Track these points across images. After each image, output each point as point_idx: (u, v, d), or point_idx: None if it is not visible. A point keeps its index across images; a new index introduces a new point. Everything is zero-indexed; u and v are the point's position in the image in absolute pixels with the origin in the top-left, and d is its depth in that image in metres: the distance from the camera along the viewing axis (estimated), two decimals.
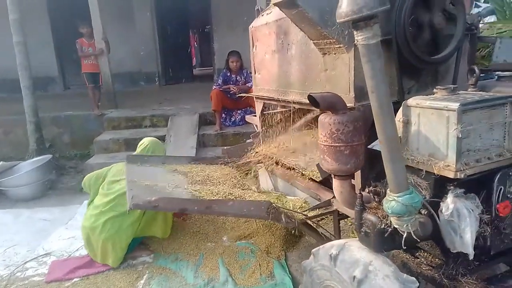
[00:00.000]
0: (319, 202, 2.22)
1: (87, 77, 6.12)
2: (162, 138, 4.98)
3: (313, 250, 1.76)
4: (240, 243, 2.96)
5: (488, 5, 4.44)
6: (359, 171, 1.81)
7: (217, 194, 2.55)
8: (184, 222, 3.24)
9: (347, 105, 1.75)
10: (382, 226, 1.49)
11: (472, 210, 1.43)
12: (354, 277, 1.47)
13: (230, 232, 3.13)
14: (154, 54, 9.47)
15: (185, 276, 2.62)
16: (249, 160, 2.99)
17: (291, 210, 2.27)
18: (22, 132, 5.58)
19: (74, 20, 6.41)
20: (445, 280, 1.58)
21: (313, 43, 1.96)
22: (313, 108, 1.91)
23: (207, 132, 5.30)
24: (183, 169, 3.00)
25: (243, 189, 2.76)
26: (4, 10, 5.12)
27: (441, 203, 1.47)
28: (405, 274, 1.48)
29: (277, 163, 2.73)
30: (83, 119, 6.02)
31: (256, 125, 3.11)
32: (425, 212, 1.47)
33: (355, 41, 1.29)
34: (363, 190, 1.73)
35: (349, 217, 2.13)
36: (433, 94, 1.57)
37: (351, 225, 2.81)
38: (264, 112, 2.94)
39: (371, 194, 1.61)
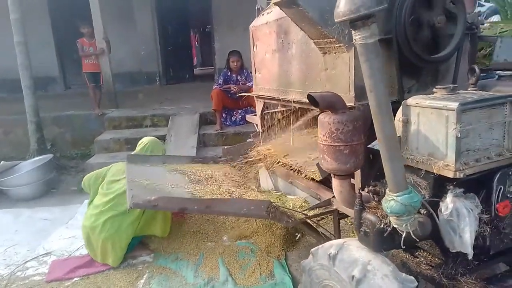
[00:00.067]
0: (319, 202, 2.21)
1: (88, 76, 6.13)
2: (162, 138, 4.99)
3: (312, 249, 1.76)
4: (240, 242, 2.96)
5: (491, 4, 4.43)
6: (359, 170, 1.81)
7: (217, 193, 2.55)
8: (184, 222, 3.24)
9: (348, 104, 1.75)
10: (381, 226, 1.49)
11: (472, 210, 1.43)
12: (353, 276, 1.47)
13: (230, 231, 3.13)
14: (154, 54, 9.48)
15: (185, 276, 2.62)
16: (249, 159, 2.99)
17: (291, 210, 2.27)
18: (22, 132, 5.58)
19: (75, 20, 6.42)
20: (444, 280, 1.58)
21: (313, 42, 1.96)
22: (313, 107, 1.91)
23: (207, 131, 5.30)
24: (183, 168, 3.01)
25: (243, 189, 2.76)
26: (5, 10, 5.13)
27: (440, 203, 1.46)
28: (404, 274, 1.48)
29: (277, 163, 2.73)
30: (83, 118, 6.02)
31: (257, 125, 3.11)
32: (425, 212, 1.47)
33: (353, 41, 1.29)
34: (363, 190, 1.73)
35: (349, 216, 2.12)
36: (433, 94, 1.57)
37: (351, 224, 2.81)
38: (265, 112, 2.94)
39: (370, 193, 1.61)
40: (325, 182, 2.27)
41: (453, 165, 1.40)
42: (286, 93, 2.42)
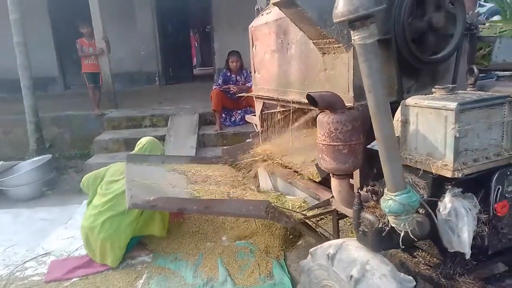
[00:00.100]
0: (318, 202, 2.22)
1: (87, 77, 6.13)
2: (162, 138, 4.99)
3: (311, 249, 1.77)
4: (239, 243, 2.96)
5: (492, 4, 4.43)
6: (358, 170, 1.81)
7: (217, 193, 2.55)
8: (183, 222, 3.24)
9: (347, 104, 1.75)
10: (380, 225, 1.49)
11: (470, 210, 1.43)
12: (351, 276, 1.47)
13: (229, 232, 3.13)
14: (154, 54, 9.48)
15: (184, 276, 2.62)
16: (248, 159, 2.99)
17: (290, 210, 2.27)
18: (22, 132, 5.58)
19: (75, 20, 6.42)
20: (443, 280, 1.58)
21: (313, 42, 1.97)
22: (312, 107, 1.91)
23: (207, 132, 5.30)
24: (182, 168, 3.01)
25: (242, 189, 2.76)
26: (4, 10, 5.13)
27: (438, 203, 1.47)
28: (402, 273, 1.49)
29: (276, 163, 2.73)
30: (83, 119, 6.02)
31: (256, 125, 3.11)
32: (423, 212, 1.47)
33: (352, 41, 1.29)
34: (362, 189, 1.73)
35: (348, 216, 2.12)
36: (432, 94, 1.57)
37: (350, 224, 2.81)
38: (264, 112, 2.94)
39: (369, 193, 1.61)
40: (324, 182, 2.27)
41: (452, 165, 1.40)
42: (285, 93, 2.42)
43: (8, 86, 7.94)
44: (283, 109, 2.86)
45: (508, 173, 1.54)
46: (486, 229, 1.53)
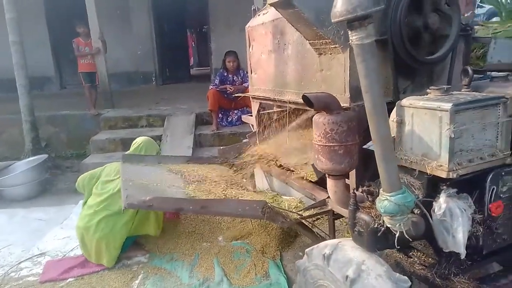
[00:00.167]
0: (314, 202, 2.22)
1: (84, 76, 6.12)
2: (158, 138, 4.98)
3: (306, 249, 1.77)
4: (236, 243, 2.96)
5: (491, 6, 4.46)
6: (354, 170, 1.82)
7: (213, 194, 2.55)
8: (179, 222, 3.24)
9: (343, 105, 1.76)
10: (375, 226, 1.49)
11: (465, 210, 1.44)
12: (347, 276, 1.47)
13: (225, 232, 3.13)
14: (151, 54, 9.47)
15: (180, 276, 2.62)
16: (245, 160, 2.99)
17: (286, 210, 2.28)
18: (18, 131, 5.56)
19: (71, 19, 6.40)
20: (438, 280, 1.58)
21: (309, 43, 1.97)
22: (308, 108, 1.91)
23: (203, 132, 5.30)
24: (179, 168, 3.01)
25: (239, 189, 2.76)
26: (0, 9, 5.10)
27: (434, 203, 1.47)
28: (397, 274, 1.49)
29: (273, 163, 2.73)
30: (79, 118, 6.00)
31: (253, 125, 3.11)
32: (418, 212, 1.47)
33: (350, 41, 1.30)
34: (357, 190, 1.73)
35: (344, 216, 2.13)
36: (427, 94, 1.58)
37: (346, 225, 2.82)
38: (261, 112, 2.94)
39: (364, 193, 1.61)
40: (321, 182, 2.27)
41: (447, 166, 1.41)
42: (281, 94, 2.42)
43: (3, 85, 7.89)
44: (280, 109, 2.87)
45: (503, 173, 1.54)
46: (481, 229, 1.53)
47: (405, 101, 1.55)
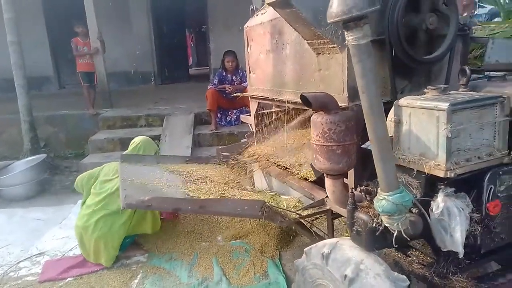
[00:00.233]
0: (313, 202, 2.22)
1: (82, 76, 6.11)
2: (157, 138, 4.98)
3: (305, 249, 1.77)
4: (235, 242, 2.96)
5: (492, 6, 4.46)
6: (352, 170, 1.82)
7: (212, 193, 2.55)
8: (178, 222, 3.24)
9: (341, 105, 1.76)
10: (374, 225, 1.50)
11: (462, 209, 1.44)
12: (346, 276, 1.47)
13: (224, 231, 3.13)
14: (150, 54, 9.47)
15: (179, 276, 2.62)
16: (243, 159, 2.99)
17: (284, 209, 2.28)
18: (16, 131, 5.55)
19: (70, 19, 6.40)
20: (436, 279, 1.59)
21: (307, 43, 1.97)
22: (307, 107, 1.92)
23: (202, 131, 5.30)
24: (177, 168, 3.01)
25: (237, 189, 2.77)
26: None
27: (431, 202, 1.48)
28: (396, 273, 1.50)
29: (271, 163, 2.73)
30: (78, 118, 6.00)
31: (251, 125, 3.11)
32: (416, 211, 1.48)
33: (346, 41, 1.30)
34: (355, 189, 1.74)
35: (342, 216, 2.13)
36: (424, 94, 1.58)
37: (345, 224, 2.82)
38: (259, 112, 2.95)
39: (362, 193, 1.61)
40: (319, 182, 2.28)
41: (444, 165, 1.41)
42: (280, 94, 2.43)
43: (2, 85, 7.89)
44: (278, 109, 2.87)
45: (500, 172, 1.55)
46: (479, 228, 1.53)
47: (402, 101, 1.56)
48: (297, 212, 2.22)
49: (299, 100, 1.77)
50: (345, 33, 1.29)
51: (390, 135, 1.54)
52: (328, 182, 1.78)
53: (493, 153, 1.52)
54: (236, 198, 2.53)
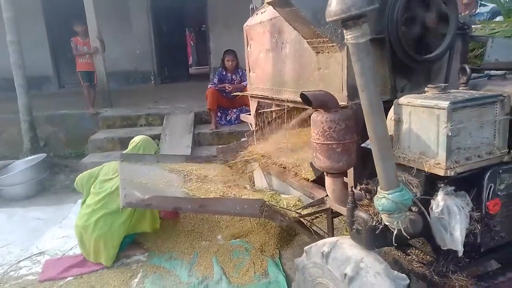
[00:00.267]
0: (313, 200, 2.22)
1: (82, 75, 6.11)
2: (157, 137, 4.98)
3: (305, 247, 1.77)
4: (235, 241, 2.96)
5: (495, 5, 4.45)
6: (352, 168, 1.82)
7: (212, 192, 2.55)
8: (179, 221, 3.24)
9: (340, 103, 1.76)
10: (373, 223, 1.50)
11: (462, 208, 1.45)
12: (345, 274, 1.47)
13: (224, 230, 3.13)
14: (149, 53, 9.46)
15: (179, 275, 2.62)
16: (243, 158, 2.99)
17: (284, 208, 2.28)
18: (16, 131, 5.55)
19: (69, 19, 6.39)
20: (436, 277, 1.59)
21: (307, 42, 1.97)
22: (306, 106, 1.92)
23: (202, 131, 5.30)
24: (177, 167, 3.00)
25: (237, 188, 2.77)
26: None
27: (431, 201, 1.48)
28: (396, 271, 1.49)
29: (271, 162, 2.73)
30: (77, 117, 6.00)
31: (251, 124, 3.11)
32: (416, 210, 1.48)
33: (345, 40, 1.30)
34: (355, 188, 1.74)
35: (342, 215, 2.13)
36: (424, 93, 1.58)
37: (345, 223, 2.82)
38: (259, 111, 2.95)
39: (362, 191, 1.61)
40: (319, 181, 2.28)
41: (444, 164, 1.41)
42: (280, 93, 2.43)
43: (1, 84, 7.88)
44: (278, 108, 2.87)
45: (500, 171, 1.55)
46: (479, 227, 1.53)
47: (402, 100, 1.56)
48: (297, 211, 2.22)
49: (299, 99, 1.77)
50: (344, 31, 1.29)
51: (390, 134, 1.54)
52: (328, 180, 1.78)
53: (493, 152, 1.52)
54: (236, 197, 2.52)
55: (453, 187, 1.47)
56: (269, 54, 2.48)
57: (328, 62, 1.91)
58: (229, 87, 5.07)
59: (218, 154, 3.30)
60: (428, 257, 1.75)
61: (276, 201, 2.48)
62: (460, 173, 1.44)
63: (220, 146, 3.48)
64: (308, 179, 2.35)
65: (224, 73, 5.24)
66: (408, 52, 1.80)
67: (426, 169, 1.46)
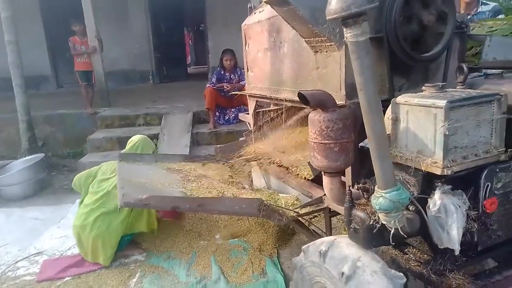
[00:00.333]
0: (311, 200, 2.23)
1: (80, 75, 6.10)
2: (155, 137, 4.98)
3: (303, 247, 1.77)
4: (233, 241, 2.97)
5: (496, 3, 4.45)
6: (350, 168, 1.82)
7: (210, 192, 2.55)
8: (180, 221, 3.24)
9: (339, 102, 1.76)
10: (371, 222, 1.50)
11: (459, 206, 1.45)
12: (343, 273, 1.48)
13: (223, 230, 3.13)
14: (148, 52, 9.45)
15: (178, 274, 2.62)
16: (242, 158, 2.99)
17: (282, 208, 2.28)
18: (14, 131, 5.54)
19: (67, 18, 6.38)
20: (433, 276, 1.59)
21: (305, 41, 1.97)
22: (304, 105, 1.92)
23: (200, 130, 5.30)
24: (176, 167, 3.00)
25: (236, 187, 2.77)
26: None
27: (428, 200, 1.48)
28: (393, 270, 1.50)
29: (270, 161, 2.73)
30: (76, 117, 5.99)
31: (249, 123, 3.11)
32: (413, 208, 1.48)
33: (345, 38, 1.30)
34: (353, 187, 1.74)
35: (340, 214, 2.14)
36: (422, 92, 1.58)
37: (343, 222, 2.83)
38: (257, 110, 2.95)
39: (360, 190, 1.62)
40: (317, 180, 2.28)
41: (441, 162, 1.41)
42: (278, 92, 2.43)
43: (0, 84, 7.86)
44: (276, 107, 2.87)
45: (497, 170, 1.55)
46: (476, 226, 1.53)
47: (400, 98, 1.56)
48: (295, 210, 2.23)
49: (297, 98, 1.77)
50: (344, 30, 1.29)
51: (387, 133, 1.54)
52: (325, 180, 1.78)
53: (490, 151, 1.52)
54: (234, 196, 2.52)
55: (450, 186, 1.47)
56: (267, 53, 2.48)
57: (326, 61, 1.91)
58: (228, 87, 5.07)
59: (216, 154, 3.30)
60: (425, 256, 1.75)
61: (274, 201, 2.48)
62: (457, 172, 1.44)
63: (218, 145, 3.48)
64: (306, 178, 2.36)
65: (223, 72, 5.24)
66: (406, 51, 1.80)
67: (423, 168, 1.46)
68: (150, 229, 2.95)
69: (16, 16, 5.17)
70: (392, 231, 1.43)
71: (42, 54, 8.99)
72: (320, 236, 2.20)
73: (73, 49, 6.05)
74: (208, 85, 5.25)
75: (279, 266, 2.62)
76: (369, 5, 1.24)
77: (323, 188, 1.92)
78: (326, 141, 1.64)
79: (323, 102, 1.67)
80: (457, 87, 1.68)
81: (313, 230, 2.29)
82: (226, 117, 5.37)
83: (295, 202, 2.42)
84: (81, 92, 6.21)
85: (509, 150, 1.55)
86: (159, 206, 2.52)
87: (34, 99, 5.90)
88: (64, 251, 3.02)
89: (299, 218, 2.22)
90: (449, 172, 1.41)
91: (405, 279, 1.50)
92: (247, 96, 2.95)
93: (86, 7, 5.98)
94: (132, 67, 9.38)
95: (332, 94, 1.75)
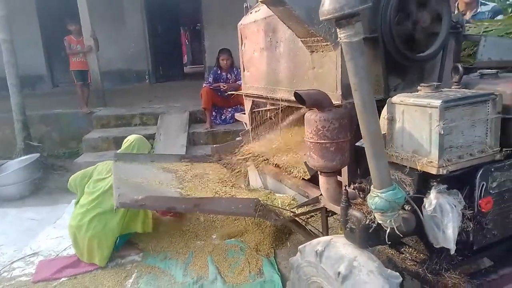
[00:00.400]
0: (307, 199, 2.23)
1: (76, 74, 6.07)
2: (152, 137, 4.96)
3: (300, 246, 1.77)
4: (230, 241, 2.96)
5: (495, 4, 4.46)
6: (346, 167, 1.82)
7: (206, 192, 2.55)
8: (174, 221, 3.23)
9: (335, 102, 1.76)
10: (367, 222, 1.50)
11: (455, 206, 1.45)
12: (339, 273, 1.48)
13: (219, 230, 3.13)
14: (144, 52, 9.41)
15: (174, 275, 2.62)
16: (238, 158, 2.99)
17: (279, 208, 2.28)
18: (9, 130, 5.51)
19: (63, 18, 6.35)
20: (429, 275, 1.60)
21: (301, 41, 1.97)
22: (301, 105, 1.92)
23: (197, 130, 5.29)
24: (172, 167, 3.00)
25: (232, 187, 2.76)
26: None
27: (424, 199, 1.48)
28: (389, 269, 1.50)
29: (266, 161, 2.73)
30: (71, 117, 5.96)
31: (246, 123, 3.11)
32: (409, 208, 1.48)
33: (339, 39, 1.30)
34: (349, 187, 1.74)
35: (337, 213, 2.14)
36: (417, 92, 1.59)
37: (339, 222, 2.83)
38: (254, 110, 2.94)
39: (356, 190, 1.62)
40: (314, 180, 2.28)
41: (437, 162, 1.42)
42: (274, 92, 2.42)
43: None
44: (273, 107, 2.87)
45: (492, 169, 1.56)
46: (471, 225, 1.54)
47: (395, 98, 1.56)
48: (291, 210, 2.23)
49: (293, 98, 1.76)
50: (338, 30, 1.29)
51: (383, 133, 1.55)
52: (322, 179, 1.78)
53: (485, 150, 1.53)
54: (230, 196, 2.52)
55: (445, 186, 1.48)
56: (264, 53, 2.48)
57: (322, 61, 1.91)
58: (224, 86, 5.06)
59: (213, 154, 3.29)
60: (421, 255, 1.76)
61: (271, 200, 2.48)
62: (453, 172, 1.44)
63: (215, 145, 3.47)
64: (303, 178, 2.36)
65: (219, 72, 5.23)
66: (402, 51, 1.80)
67: (418, 168, 1.47)
68: (144, 231, 2.93)
69: (12, 15, 5.15)
70: (388, 230, 1.44)
71: (37, 53, 8.94)
72: (316, 236, 2.20)
73: (69, 48, 6.02)
74: (205, 84, 5.24)
75: (276, 266, 2.62)
76: (362, 6, 1.25)
77: (319, 188, 1.92)
78: (322, 141, 1.64)
79: (319, 102, 1.67)
80: (453, 87, 1.69)
81: (309, 230, 2.29)
82: (223, 117, 5.37)
83: (292, 202, 2.41)
84: (76, 92, 6.18)
85: (504, 149, 1.56)
86: (155, 206, 2.51)
87: (30, 99, 5.87)
88: (60, 251, 3.01)
89: (296, 218, 2.22)
90: (445, 172, 1.41)
91: (401, 279, 1.50)
92: (244, 96, 2.95)
93: (82, 6, 5.95)
94: (128, 67, 9.35)
95: (328, 93, 1.75)
